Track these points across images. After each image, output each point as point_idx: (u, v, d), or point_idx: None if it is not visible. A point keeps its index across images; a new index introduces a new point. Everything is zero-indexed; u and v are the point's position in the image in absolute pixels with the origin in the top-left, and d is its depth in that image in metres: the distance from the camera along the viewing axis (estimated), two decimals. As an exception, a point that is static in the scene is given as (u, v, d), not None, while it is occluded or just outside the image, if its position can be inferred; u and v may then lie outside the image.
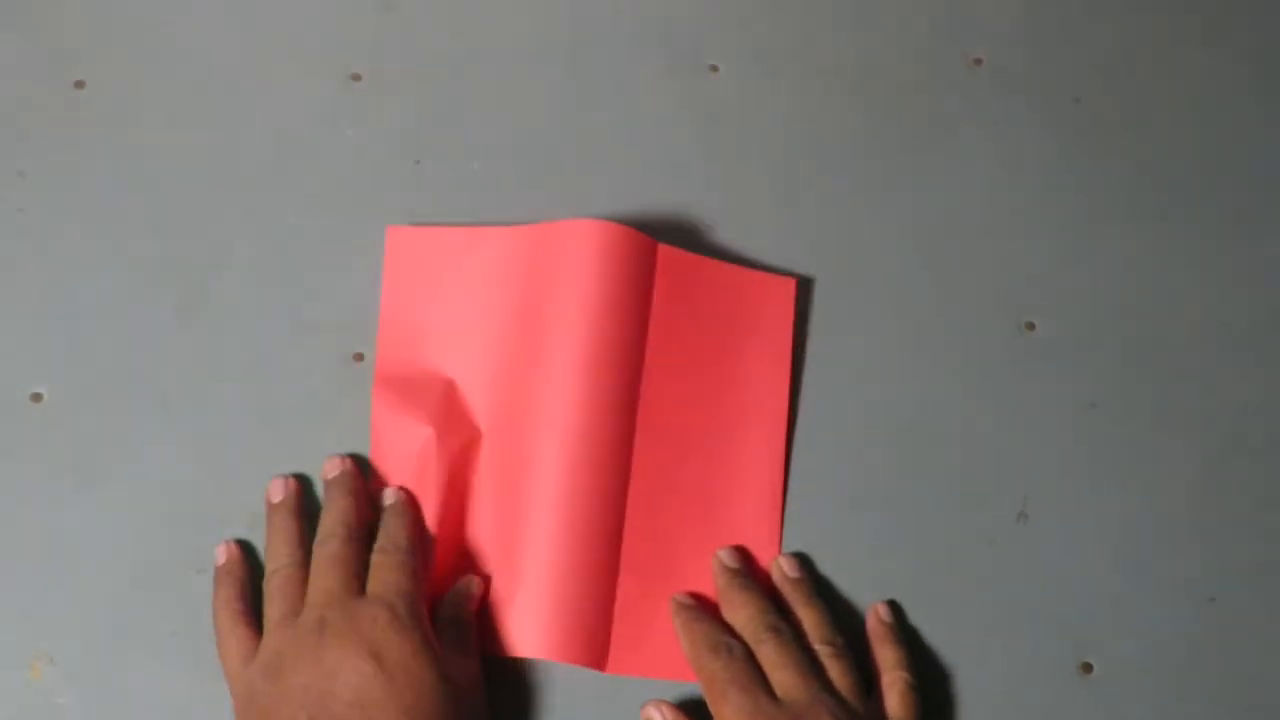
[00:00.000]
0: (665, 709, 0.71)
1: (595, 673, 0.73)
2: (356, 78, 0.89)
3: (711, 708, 0.69)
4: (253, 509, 0.75)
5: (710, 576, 0.76)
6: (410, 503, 0.75)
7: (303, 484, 0.76)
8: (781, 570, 0.76)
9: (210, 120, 0.87)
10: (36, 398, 0.78)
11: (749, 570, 0.76)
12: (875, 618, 0.75)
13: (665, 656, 0.74)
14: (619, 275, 0.76)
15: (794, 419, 0.80)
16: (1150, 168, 0.89)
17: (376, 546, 0.71)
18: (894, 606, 0.76)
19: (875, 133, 0.89)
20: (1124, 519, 0.78)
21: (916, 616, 0.75)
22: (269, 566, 0.72)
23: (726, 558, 0.75)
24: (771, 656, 0.70)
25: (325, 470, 0.76)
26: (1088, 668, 0.74)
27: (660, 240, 0.79)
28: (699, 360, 0.79)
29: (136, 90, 0.87)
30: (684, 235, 0.85)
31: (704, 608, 0.74)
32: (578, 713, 0.73)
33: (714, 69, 0.91)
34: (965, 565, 0.77)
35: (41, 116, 0.86)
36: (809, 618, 0.73)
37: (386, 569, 0.69)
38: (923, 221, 0.86)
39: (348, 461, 0.76)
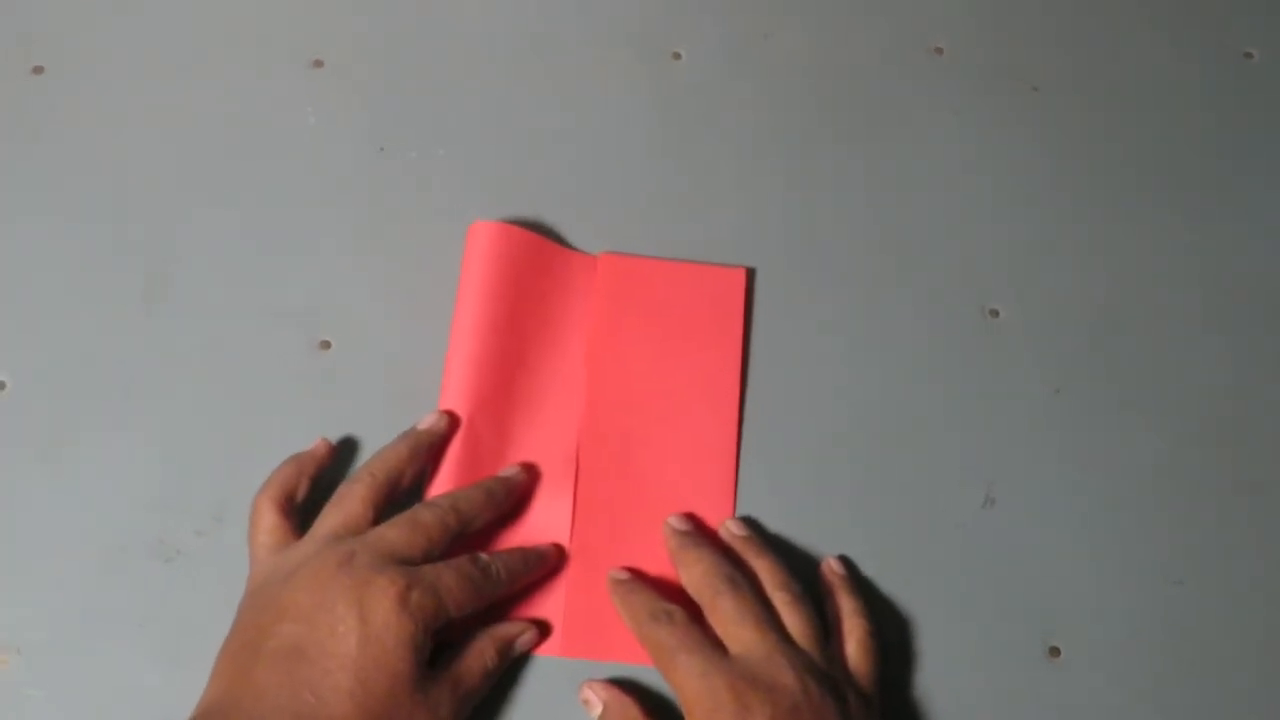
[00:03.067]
0: (598, 687, 0.71)
1: (551, 658, 0.73)
2: (319, 64, 0.88)
3: (664, 676, 0.68)
4: (220, 497, 0.74)
5: (662, 557, 0.76)
6: (543, 555, 0.75)
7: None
8: (729, 530, 0.76)
9: (171, 106, 0.86)
10: (-1, 386, 0.77)
11: (700, 532, 0.76)
12: (828, 569, 0.75)
13: (619, 639, 0.73)
14: (557, 287, 0.81)
15: (751, 406, 0.80)
16: (1110, 154, 0.89)
17: (480, 554, 0.71)
18: (845, 560, 0.76)
19: (837, 121, 0.90)
20: (1091, 504, 0.79)
21: (883, 602, 0.75)
22: (361, 469, 0.72)
23: (676, 522, 0.75)
24: (729, 611, 0.69)
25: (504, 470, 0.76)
26: (1055, 652, 0.75)
27: (619, 227, 0.82)
28: (646, 355, 0.80)
29: (96, 76, 0.87)
30: (644, 220, 0.85)
31: (641, 580, 0.74)
32: (535, 697, 0.73)
33: (677, 56, 0.91)
34: (933, 551, 0.77)
35: (0, 101, 0.85)
36: (763, 567, 0.73)
37: (452, 569, 0.69)
38: (885, 209, 0.87)
39: (521, 475, 0.76)
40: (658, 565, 0.75)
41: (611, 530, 0.76)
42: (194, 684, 0.66)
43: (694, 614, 0.70)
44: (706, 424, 0.79)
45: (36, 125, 0.85)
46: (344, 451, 0.77)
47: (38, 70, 0.86)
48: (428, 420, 0.75)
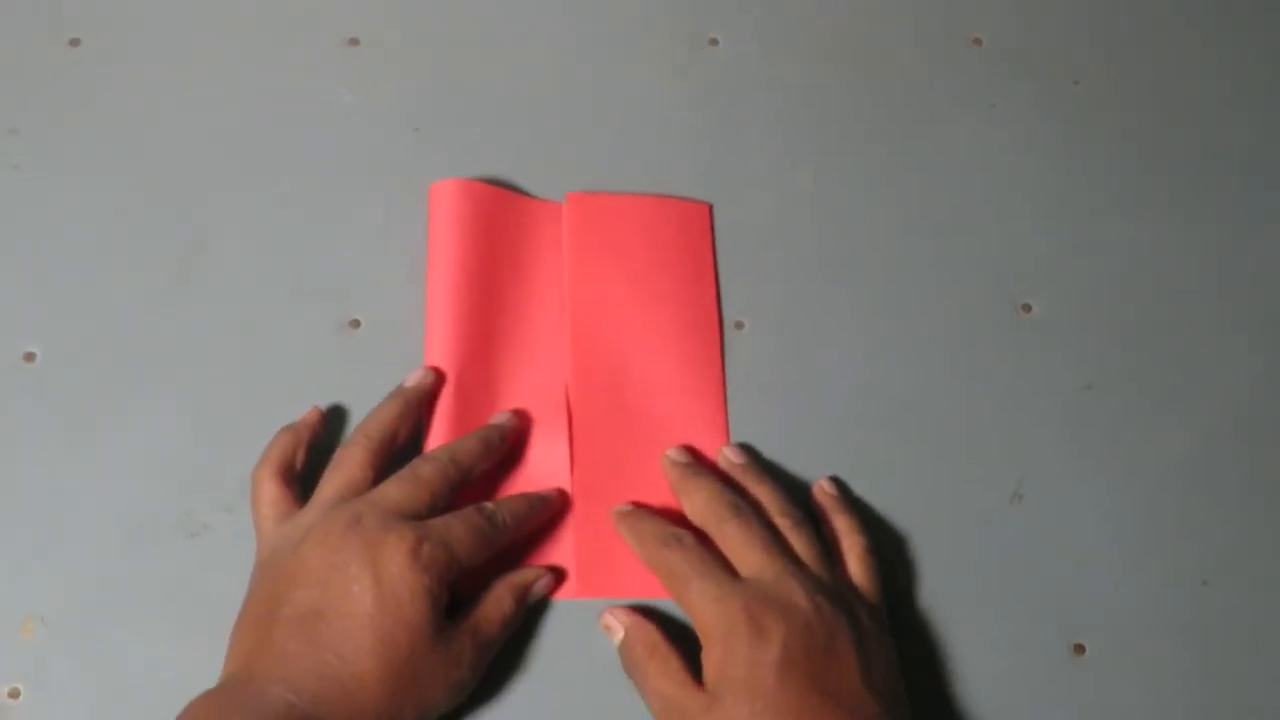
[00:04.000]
0: (619, 613, 0.71)
1: (568, 601, 0.74)
2: (354, 42, 0.88)
3: (677, 600, 0.69)
4: (245, 474, 0.74)
5: (664, 490, 0.76)
6: (547, 499, 0.75)
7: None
8: (727, 459, 0.76)
9: (207, 82, 0.86)
10: (29, 357, 0.77)
11: (699, 462, 0.76)
12: (820, 491, 0.76)
13: (632, 576, 0.74)
14: (526, 235, 0.82)
15: (783, 395, 0.80)
16: (1148, 150, 0.89)
17: (484, 503, 0.72)
18: (837, 481, 0.77)
19: (873, 110, 0.89)
20: (1119, 501, 0.78)
21: (909, 594, 0.75)
22: (355, 432, 0.73)
23: (674, 454, 0.76)
24: (736, 535, 0.70)
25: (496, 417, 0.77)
26: (1080, 649, 0.74)
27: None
28: (623, 290, 0.81)
29: (132, 50, 0.87)
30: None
31: (646, 509, 0.74)
32: (554, 640, 0.73)
33: (714, 42, 0.91)
34: (960, 544, 0.77)
35: (36, 74, 0.85)
36: (763, 493, 0.74)
37: (461, 520, 0.69)
38: (919, 200, 0.86)
39: (513, 420, 0.77)
40: (660, 498, 0.76)
41: (611, 468, 0.77)
42: (216, 657, 0.66)
43: (702, 538, 0.71)
44: (691, 353, 0.80)
45: (72, 98, 0.85)
46: (338, 419, 0.77)
47: (74, 43, 0.87)
48: (414, 377, 0.76)
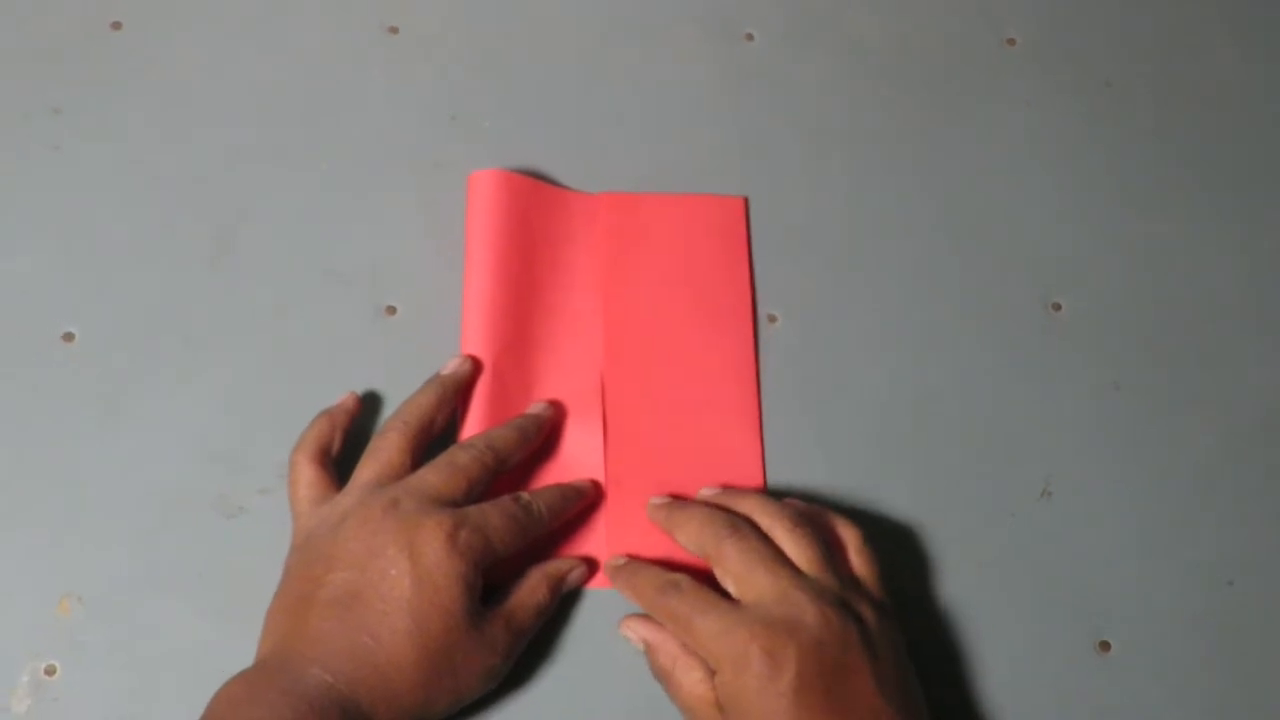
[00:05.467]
0: (635, 624, 0.71)
1: (600, 590, 0.75)
2: (394, 30, 0.89)
3: (688, 644, 0.68)
4: (281, 457, 0.74)
5: (696, 481, 0.77)
6: (581, 488, 0.76)
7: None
8: (704, 495, 0.76)
9: (246, 67, 0.87)
10: (69, 337, 0.78)
11: (681, 498, 0.76)
12: (795, 504, 0.75)
13: (660, 557, 0.74)
14: (562, 228, 0.83)
15: (811, 392, 0.80)
16: (1180, 152, 0.89)
17: (520, 493, 0.72)
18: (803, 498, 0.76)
19: (906, 109, 0.90)
20: (1146, 499, 0.79)
21: (936, 588, 0.76)
22: (393, 418, 0.73)
23: (654, 499, 0.75)
24: (735, 556, 0.69)
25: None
26: (1105, 646, 0.75)
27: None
28: (657, 286, 0.82)
29: (173, 33, 0.88)
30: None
31: (637, 560, 0.74)
32: (585, 629, 0.74)
33: (749, 37, 0.91)
34: (988, 540, 0.77)
35: (78, 56, 0.86)
36: (751, 505, 0.73)
37: (498, 509, 0.70)
38: (951, 199, 0.87)
39: (548, 410, 0.78)
40: (691, 489, 0.76)
41: (644, 460, 0.78)
42: (250, 638, 0.67)
43: (701, 578, 0.70)
44: (725, 345, 0.81)
45: (113, 80, 0.86)
46: (373, 405, 0.78)
47: (116, 26, 0.87)
48: (451, 365, 0.76)
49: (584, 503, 0.75)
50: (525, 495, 0.72)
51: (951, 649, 0.74)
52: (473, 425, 0.76)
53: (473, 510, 0.69)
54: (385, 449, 0.72)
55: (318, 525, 0.69)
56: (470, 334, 0.78)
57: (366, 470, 0.71)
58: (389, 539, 0.66)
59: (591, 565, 0.75)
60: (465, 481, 0.70)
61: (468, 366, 0.76)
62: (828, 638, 0.65)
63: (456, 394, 0.76)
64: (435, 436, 0.75)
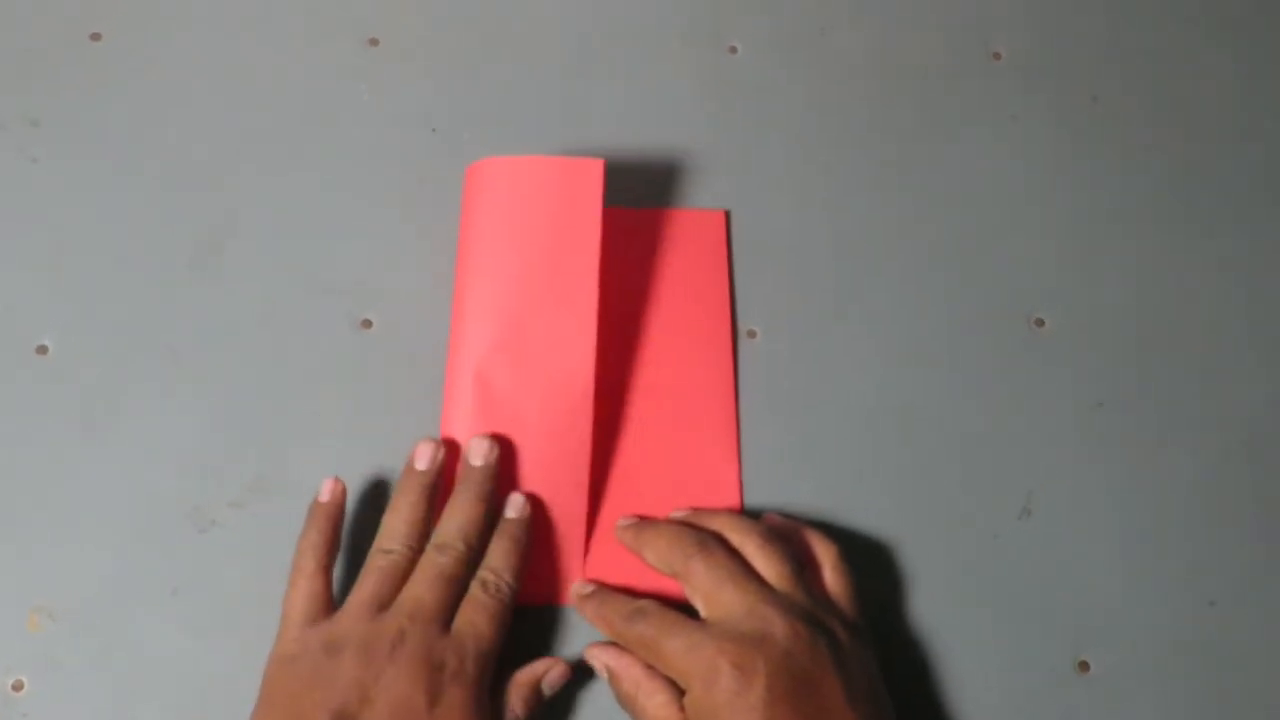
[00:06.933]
0: (597, 651, 0.71)
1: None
2: (374, 42, 0.89)
3: (658, 668, 0.68)
4: (257, 471, 0.74)
5: (674, 498, 0.77)
6: (527, 523, 0.74)
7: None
8: (673, 517, 0.75)
9: (226, 78, 0.87)
10: (42, 350, 0.77)
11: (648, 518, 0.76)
12: (773, 522, 0.75)
13: (643, 579, 0.74)
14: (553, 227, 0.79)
15: (792, 408, 0.80)
16: (1165, 168, 0.89)
17: (483, 572, 0.70)
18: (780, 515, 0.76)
19: (891, 122, 0.89)
20: (1127, 519, 0.78)
21: (915, 606, 0.75)
22: (381, 542, 0.71)
23: (621, 521, 0.75)
24: (703, 573, 0.69)
25: (470, 452, 0.74)
26: (1084, 666, 0.74)
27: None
28: (638, 302, 0.82)
29: (152, 45, 0.87)
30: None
31: (605, 589, 0.74)
32: (574, 648, 0.73)
33: (733, 50, 0.91)
34: (967, 559, 0.76)
35: (57, 67, 0.86)
36: (721, 523, 0.73)
37: (481, 612, 0.69)
38: (934, 213, 0.86)
39: (493, 453, 0.74)
40: (666, 505, 0.76)
41: (622, 474, 0.77)
42: (223, 653, 0.67)
43: (666, 601, 0.70)
44: (703, 360, 0.81)
45: (92, 92, 0.85)
46: (349, 426, 0.77)
47: (95, 37, 0.87)
48: (423, 458, 0.73)
49: (530, 535, 0.74)
50: (490, 578, 0.70)
51: (930, 667, 0.74)
52: (460, 432, 0.75)
53: (470, 630, 0.68)
54: (382, 567, 0.70)
55: (313, 646, 0.67)
56: (458, 333, 0.77)
57: (364, 590, 0.69)
58: (402, 674, 0.65)
59: (567, 580, 0.75)
60: (458, 588, 0.69)
61: (441, 455, 0.74)
62: (797, 650, 0.65)
63: (438, 484, 0.74)
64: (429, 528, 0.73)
